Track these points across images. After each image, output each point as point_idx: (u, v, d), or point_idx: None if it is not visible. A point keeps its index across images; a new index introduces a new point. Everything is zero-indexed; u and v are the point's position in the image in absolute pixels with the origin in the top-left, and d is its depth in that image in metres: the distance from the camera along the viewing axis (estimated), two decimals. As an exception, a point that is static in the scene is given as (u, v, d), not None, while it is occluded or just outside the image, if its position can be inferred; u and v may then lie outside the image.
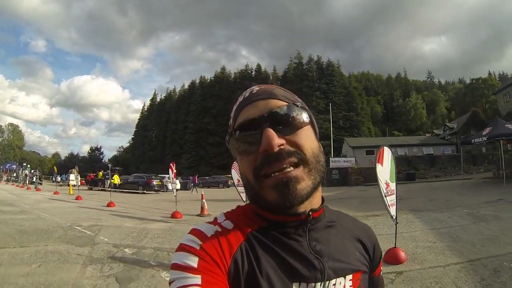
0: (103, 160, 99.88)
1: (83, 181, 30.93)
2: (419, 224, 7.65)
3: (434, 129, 60.41)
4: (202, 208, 11.72)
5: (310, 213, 0.66)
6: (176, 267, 0.58)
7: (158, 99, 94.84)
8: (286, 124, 0.63)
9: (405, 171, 29.51)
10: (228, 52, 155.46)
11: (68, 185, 26.83)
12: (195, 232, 0.64)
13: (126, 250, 6.52)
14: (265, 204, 0.65)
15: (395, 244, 5.13)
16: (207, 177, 42.28)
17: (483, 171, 27.63)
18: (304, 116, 0.66)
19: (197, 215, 11.43)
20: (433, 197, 11.21)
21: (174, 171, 12.25)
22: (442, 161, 32.86)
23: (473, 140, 17.87)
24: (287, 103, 0.66)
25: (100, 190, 27.04)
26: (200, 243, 0.61)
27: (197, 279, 0.55)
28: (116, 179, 27.38)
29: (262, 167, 0.61)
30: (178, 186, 26.44)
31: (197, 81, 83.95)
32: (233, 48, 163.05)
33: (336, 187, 25.45)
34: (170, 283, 0.57)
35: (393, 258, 4.92)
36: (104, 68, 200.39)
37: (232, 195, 18.34)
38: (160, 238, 7.52)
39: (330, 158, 34.25)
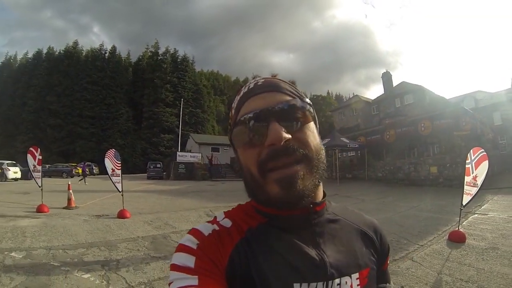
0: None
1: None
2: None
3: None
4: (69, 200, 10.38)
5: (312, 206, 0.66)
6: (174, 267, 0.59)
7: None
8: (292, 119, 0.63)
9: None
10: (80, 24, 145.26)
11: None
12: (193, 231, 0.65)
13: (14, 254, 5.40)
14: (267, 199, 0.63)
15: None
16: (47, 165, 35.74)
17: None
18: (310, 112, 0.66)
19: (64, 208, 10.06)
20: None
21: (39, 157, 10.15)
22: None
23: None
24: (294, 98, 0.66)
25: None
26: (198, 242, 0.61)
27: (194, 280, 0.56)
28: None
29: (268, 161, 0.60)
30: (19, 175, 24.41)
31: (44, 51, 73.59)
32: (86, 22, 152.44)
33: (184, 181, 26.23)
34: (169, 284, 0.58)
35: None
36: None
37: (82, 186, 17.73)
38: (43, 236, 6.53)
39: (177, 152, 34.65)
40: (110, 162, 9.64)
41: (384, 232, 0.81)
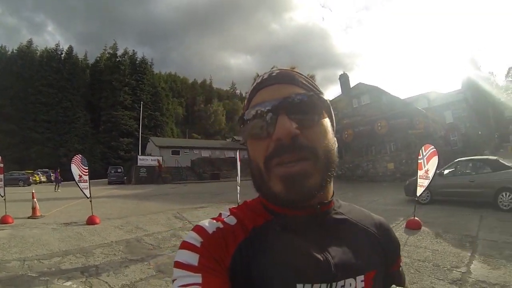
0: None
1: None
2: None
3: (232, 135, 67.42)
4: (34, 209, 10.05)
5: (319, 206, 0.64)
6: (178, 265, 0.58)
7: None
8: (304, 114, 0.60)
9: (210, 171, 32.90)
10: (33, 23, 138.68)
11: None
12: (197, 229, 0.63)
13: None
14: (271, 196, 0.62)
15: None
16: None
17: None
18: (324, 108, 0.64)
19: (29, 217, 9.67)
20: (246, 192, 11.37)
21: (0, 165, 9.79)
22: (243, 163, 37.53)
23: None
24: (307, 92, 0.63)
25: None
26: (201, 240, 0.60)
27: (197, 277, 0.55)
28: None
29: (273, 157, 0.58)
30: None
31: None
32: (40, 19, 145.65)
33: (146, 185, 26.28)
34: (172, 281, 0.58)
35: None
36: None
37: (44, 194, 15.92)
38: (14, 248, 6.34)
39: (138, 156, 34.45)
40: (77, 168, 9.37)
41: (393, 232, 0.79)
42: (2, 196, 9.48)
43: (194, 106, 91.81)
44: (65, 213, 10.84)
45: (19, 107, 61.10)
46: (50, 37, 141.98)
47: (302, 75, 0.69)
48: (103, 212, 10.17)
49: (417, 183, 7.61)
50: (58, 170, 26.44)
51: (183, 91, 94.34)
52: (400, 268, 0.80)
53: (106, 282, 4.63)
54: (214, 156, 42.41)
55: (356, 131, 21.89)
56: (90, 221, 8.68)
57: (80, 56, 74.65)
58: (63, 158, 52.72)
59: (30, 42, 70.50)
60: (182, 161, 37.32)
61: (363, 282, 0.64)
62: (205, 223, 0.65)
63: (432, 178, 7.34)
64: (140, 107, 49.93)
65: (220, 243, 0.61)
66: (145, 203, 13.30)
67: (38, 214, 10.00)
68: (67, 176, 29.79)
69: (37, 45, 72.00)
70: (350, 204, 0.78)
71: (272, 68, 0.71)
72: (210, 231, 0.62)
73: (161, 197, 15.62)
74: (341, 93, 41.79)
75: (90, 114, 66.36)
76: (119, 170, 33.85)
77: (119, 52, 74.71)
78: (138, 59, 75.21)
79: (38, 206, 10.16)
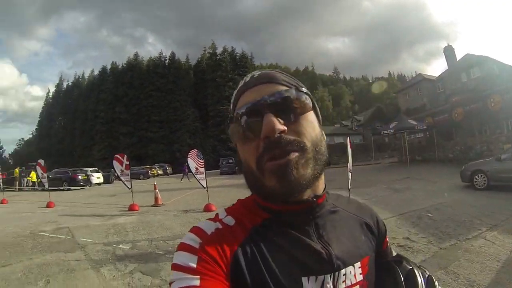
0: (3, 156, 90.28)
1: None
2: (355, 196, 7.76)
3: (340, 120, 66.48)
4: (156, 198, 11.66)
5: (315, 199, 0.65)
6: (176, 267, 0.58)
7: (64, 86, 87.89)
8: (287, 110, 0.62)
9: None
10: (135, 37, 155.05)
11: None
12: (195, 230, 0.64)
13: (122, 246, 6.26)
14: (266, 192, 0.63)
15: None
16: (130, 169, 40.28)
17: (387, 157, 30.99)
18: (307, 102, 0.65)
19: (152, 205, 11.40)
20: (354, 178, 12.07)
21: (126, 162, 11.48)
22: (352, 148, 35.55)
23: (382, 132, 21.87)
24: (289, 88, 0.64)
25: (18, 190, 24.27)
26: (200, 241, 0.60)
27: (196, 280, 0.55)
28: (34, 177, 24.23)
29: (264, 155, 0.60)
30: (101, 180, 26.96)
31: (108, 67, 78.94)
32: (140, 34, 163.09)
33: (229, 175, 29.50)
34: (170, 283, 0.57)
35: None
36: None
37: (163, 185, 17.91)
38: (142, 230, 7.45)
39: None
40: (193, 161, 10.40)
41: (379, 216, 0.84)
42: (129, 188, 11.13)
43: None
44: (183, 202, 12.22)
45: (133, 112, 68.18)
46: (152, 47, 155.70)
47: (283, 73, 0.71)
48: (218, 201, 10.72)
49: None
50: (186, 164, 27.37)
51: None
52: (388, 245, 0.84)
53: None
54: (324, 142, 42.96)
55: (466, 109, 19.91)
56: (207, 209, 9.54)
57: (182, 59, 78.49)
58: (177, 153, 58.18)
59: (136, 55, 77.75)
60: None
61: (360, 269, 0.68)
62: (203, 224, 0.66)
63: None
64: None
65: (220, 244, 0.61)
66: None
67: (159, 202, 11.60)
68: (179, 170, 34.61)
69: (143, 56, 78.78)
70: (339, 194, 0.82)
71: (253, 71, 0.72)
72: (209, 232, 0.63)
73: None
74: (447, 67, 37.95)
75: (198, 111, 69.24)
76: (230, 161, 35.03)
77: (218, 50, 76.45)
78: (237, 54, 75.89)
79: (159, 196, 11.77)
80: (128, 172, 11.45)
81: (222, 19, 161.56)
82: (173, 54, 76.45)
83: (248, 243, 0.63)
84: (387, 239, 0.84)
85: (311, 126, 0.65)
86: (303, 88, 0.66)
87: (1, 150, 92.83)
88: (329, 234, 0.67)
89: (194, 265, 0.57)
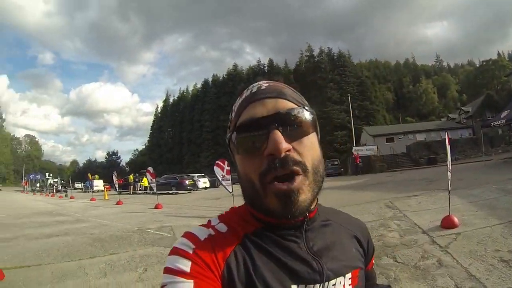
0: (121, 165, 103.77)
1: (109, 186, 30.36)
2: (458, 199, 7.93)
3: (446, 113, 61.88)
4: None
5: (307, 214, 0.65)
6: (168, 271, 0.58)
7: (171, 100, 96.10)
8: (294, 129, 0.61)
9: (426, 156, 30.72)
10: (232, 50, 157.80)
11: (93, 191, 29.25)
12: (188, 235, 0.64)
13: None
14: (264, 209, 0.63)
15: (449, 212, 5.90)
16: (232, 174, 42.00)
17: (501, 152, 27.94)
18: (312, 122, 0.64)
19: None
20: (461, 177, 11.89)
21: (227, 168, 11.67)
22: (461, 144, 31.47)
23: (492, 123, 18.25)
24: (297, 106, 0.64)
25: (132, 194, 27.72)
26: (194, 247, 0.60)
27: (189, 284, 0.55)
28: (145, 182, 26.43)
29: (268, 173, 0.59)
30: (207, 184, 28.51)
31: (210, 79, 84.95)
32: (237, 46, 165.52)
33: (362, 175, 25.83)
34: (162, 287, 0.57)
35: (449, 223, 5.71)
36: (111, 74, 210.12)
37: None
38: None
39: (353, 147, 35.09)
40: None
41: (370, 234, 0.82)
42: (230, 192, 11.02)
43: (402, 89, 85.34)
44: None
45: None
46: (251, 56, 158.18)
47: (290, 87, 0.69)
48: (322, 203, 9.65)
49: None
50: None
51: (388, 75, 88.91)
52: (373, 267, 0.84)
53: None
54: (429, 138, 38.49)
55: None
56: None
57: (281, 65, 79.70)
58: None
59: (235, 65, 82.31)
60: (397, 148, 36.31)
61: (350, 280, 0.67)
62: (196, 230, 0.65)
63: None
64: (348, 100, 49.80)
65: (213, 250, 0.60)
66: (359, 193, 13.29)
67: None
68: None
69: (242, 66, 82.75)
70: (332, 208, 0.81)
71: (259, 81, 0.69)
72: (202, 238, 0.62)
73: (376, 186, 15.29)
74: None
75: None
76: (335, 163, 34.58)
77: (315, 52, 76.35)
78: (335, 54, 75.01)
79: None
80: (229, 177, 11.54)
81: (314, 20, 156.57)
82: (271, 61, 78.76)
83: (240, 250, 0.63)
84: (373, 260, 0.84)
85: (313, 147, 0.64)
86: (308, 107, 0.66)
87: (119, 160, 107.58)
88: (319, 246, 0.67)
89: (188, 269, 0.57)
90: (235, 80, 75.96)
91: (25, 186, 51.08)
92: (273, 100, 0.63)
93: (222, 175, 11.41)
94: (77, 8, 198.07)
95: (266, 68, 77.88)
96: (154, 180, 16.84)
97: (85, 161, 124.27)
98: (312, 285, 0.62)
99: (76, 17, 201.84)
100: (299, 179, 0.59)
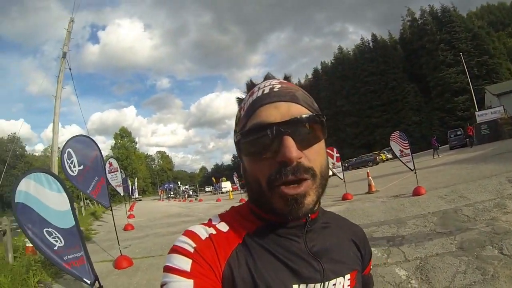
0: None
1: (236, 187, 31.47)
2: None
3: None
4: (370, 186, 11.70)
5: (309, 215, 0.66)
6: (169, 269, 0.58)
7: None
8: (306, 136, 0.61)
9: None
10: (335, 33, 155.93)
11: (222, 193, 31.53)
12: (189, 234, 0.64)
13: None
14: (270, 210, 0.63)
15: None
16: (354, 158, 42.97)
17: None
18: (323, 128, 0.64)
19: (366, 193, 11.48)
20: None
21: (337, 155, 12.11)
22: None
23: None
24: (310, 112, 0.63)
25: None
26: (195, 245, 0.60)
27: (189, 283, 0.55)
28: None
29: (277, 178, 0.59)
30: (330, 172, 31.59)
31: (319, 67, 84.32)
32: (339, 28, 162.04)
33: (488, 144, 22.55)
34: (161, 286, 0.57)
35: None
36: (225, 83, 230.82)
37: (383, 170, 18.18)
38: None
39: (476, 112, 30.33)
40: (397, 144, 10.13)
41: (367, 239, 0.85)
42: (341, 179, 12.07)
43: (528, 32, 69.89)
44: (398, 186, 11.66)
45: (354, 101, 70.57)
46: (356, 35, 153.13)
47: (301, 89, 0.70)
48: (432, 182, 10.39)
49: None
50: (434, 137, 27.45)
51: (506, 18, 74.11)
52: (370, 272, 0.88)
53: (403, 252, 4.85)
54: None
55: None
56: (415, 192, 8.91)
57: (385, 37, 76.25)
58: (404, 133, 58.85)
59: (340, 49, 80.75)
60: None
61: (349, 280, 0.70)
62: (197, 228, 0.66)
63: None
64: (462, 59, 44.72)
65: (214, 250, 0.61)
66: (480, 167, 11.72)
67: (373, 189, 11.63)
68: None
69: (347, 47, 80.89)
70: (332, 212, 0.84)
71: (269, 80, 0.72)
72: (203, 237, 0.63)
73: (501, 156, 13.29)
74: None
75: (417, 85, 65.79)
76: (458, 133, 31.04)
77: (417, 15, 71.50)
78: (438, 11, 68.64)
79: (373, 183, 11.86)
80: (339, 164, 12.29)
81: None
82: (374, 36, 75.55)
83: (241, 249, 0.64)
84: (370, 266, 0.87)
85: (322, 152, 0.65)
86: (320, 113, 0.66)
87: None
88: (320, 247, 0.69)
89: (188, 269, 0.57)
90: (343, 63, 75.57)
91: (161, 194, 58.73)
92: (286, 104, 0.63)
93: (333, 163, 11.82)
94: (178, 35, 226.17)
95: (370, 44, 75.08)
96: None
97: (213, 166, 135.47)
98: (313, 285, 0.63)
99: (179, 43, 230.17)
100: (306, 184, 0.60)
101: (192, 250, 0.60)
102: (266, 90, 0.66)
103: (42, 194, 3.78)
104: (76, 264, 3.82)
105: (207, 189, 54.63)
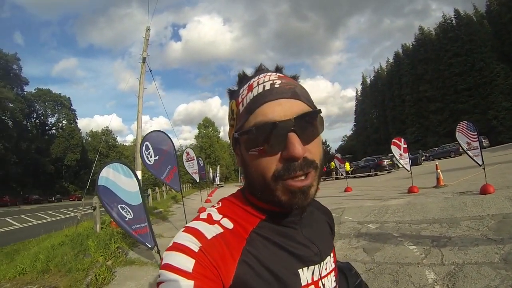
0: (330, 152, 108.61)
1: None
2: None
3: None
4: (438, 179, 11.26)
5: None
6: (168, 267, 0.57)
7: (368, 81, 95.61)
8: (310, 132, 0.64)
9: None
10: (417, 11, 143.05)
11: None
12: (192, 231, 0.62)
13: (370, 225, 7.04)
14: (273, 201, 0.65)
15: None
16: (436, 148, 41.23)
17: None
18: (321, 121, 0.67)
19: (434, 187, 11.04)
20: None
21: (404, 146, 11.99)
22: None
23: None
24: (309, 107, 0.66)
25: (335, 179, 28.91)
26: (200, 245, 0.59)
27: (189, 284, 0.54)
28: (347, 166, 25.80)
29: (284, 174, 0.61)
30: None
31: (400, 51, 79.86)
32: (420, 5, 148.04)
33: None
34: (158, 284, 0.56)
35: None
36: (308, 70, 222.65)
37: (463, 162, 16.18)
38: (400, 213, 7.65)
39: None
40: (464, 135, 9.50)
41: (333, 219, 0.95)
42: (408, 171, 11.79)
43: None
44: (469, 182, 10.82)
45: (438, 86, 65.47)
46: (439, 13, 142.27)
47: (300, 85, 0.72)
48: (509, 179, 9.51)
49: None
50: None
51: None
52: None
53: (443, 255, 4.71)
54: None
55: None
56: (483, 191, 8.17)
57: (470, 12, 68.64)
58: (493, 121, 53.11)
59: (421, 29, 74.18)
60: None
61: (332, 258, 0.80)
62: (201, 226, 0.64)
63: None
64: None
65: (224, 250, 0.60)
66: None
67: (441, 183, 11.08)
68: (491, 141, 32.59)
69: (428, 27, 74.64)
70: None
71: (267, 74, 0.71)
72: (209, 236, 0.61)
73: None
74: None
75: (508, 65, 58.50)
76: None
77: None
78: None
79: (442, 176, 11.25)
80: (406, 155, 12.01)
81: None
82: (457, 12, 68.48)
83: (250, 246, 0.64)
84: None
85: (320, 144, 0.68)
86: (317, 107, 0.69)
87: (328, 148, 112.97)
88: (311, 231, 0.76)
89: (190, 270, 0.56)
90: (426, 45, 70.38)
91: (243, 181, 63.23)
92: (288, 101, 0.64)
93: (400, 153, 11.68)
94: (258, 25, 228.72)
95: (453, 21, 68.11)
96: (343, 166, 18.57)
97: None
98: (313, 266, 0.70)
99: (260, 33, 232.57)
100: (312, 176, 0.63)
101: (196, 249, 0.58)
102: (267, 86, 0.67)
103: (118, 179, 4.96)
104: (141, 232, 5.01)
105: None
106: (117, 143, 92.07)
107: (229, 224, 0.66)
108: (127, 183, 5.02)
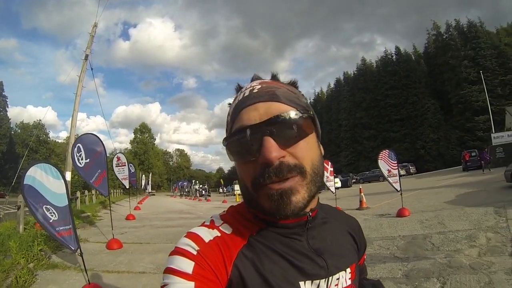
0: None
1: None
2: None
3: None
4: (361, 202, 11.86)
5: (310, 213, 0.67)
6: (169, 271, 0.58)
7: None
8: (287, 133, 0.60)
9: None
10: (363, 44, 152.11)
11: (234, 195, 32.22)
12: (192, 236, 0.63)
13: None
14: (261, 211, 0.64)
15: None
16: (367, 172, 43.68)
17: None
18: (308, 124, 0.63)
19: (357, 209, 11.59)
20: None
21: (330, 169, 12.29)
22: None
23: None
24: (291, 108, 0.62)
25: None
26: (198, 248, 0.60)
27: (190, 286, 0.55)
28: None
29: (261, 179, 0.59)
30: (339, 184, 26.87)
31: (342, 77, 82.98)
32: (367, 38, 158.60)
33: (502, 168, 19.12)
34: (162, 287, 0.57)
35: None
36: None
37: (389, 187, 15.29)
38: None
39: (492, 134, 30.78)
40: (385, 163, 10.00)
41: (362, 231, 0.89)
42: (333, 193, 12.39)
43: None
44: (389, 206, 11.50)
45: (373, 114, 69.24)
46: (383, 47, 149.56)
47: (285, 86, 0.69)
48: (424, 204, 10.38)
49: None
50: (486, 150, 27.00)
51: None
52: (364, 263, 0.92)
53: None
54: None
55: None
56: (399, 214, 8.92)
57: (410, 50, 74.08)
58: (421, 150, 57.79)
59: (363, 60, 78.85)
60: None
61: (350, 274, 0.73)
62: (200, 230, 0.65)
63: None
64: (486, 77, 43.63)
65: (219, 252, 0.61)
66: (478, 193, 11.62)
67: (364, 206, 11.82)
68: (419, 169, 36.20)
69: (370, 59, 79.11)
70: (328, 204, 0.85)
71: (253, 83, 0.71)
72: (207, 240, 0.62)
73: (505, 184, 12.46)
74: None
75: (438, 101, 63.55)
76: (473, 154, 29.80)
77: (442, 29, 68.96)
78: (464, 26, 65.64)
79: (364, 199, 12.00)
80: (332, 177, 12.76)
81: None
82: (397, 49, 73.15)
83: (246, 251, 0.64)
84: (365, 256, 0.92)
85: (312, 148, 0.64)
86: (305, 107, 0.66)
87: None
88: (321, 243, 0.71)
89: (190, 271, 0.57)
90: (366, 75, 74.25)
91: (175, 191, 59.88)
92: (265, 104, 0.62)
93: (327, 176, 11.57)
94: (208, 36, 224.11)
95: (394, 57, 72.80)
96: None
97: (230, 168, 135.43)
98: (318, 281, 0.65)
99: (209, 44, 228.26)
100: (294, 180, 0.59)
101: (195, 252, 0.60)
102: (247, 93, 0.66)
103: (46, 180, 4.81)
104: (65, 234, 4.90)
105: (221, 190, 55.24)
106: (48, 139, 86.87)
107: (228, 229, 0.67)
108: (54, 184, 4.90)
